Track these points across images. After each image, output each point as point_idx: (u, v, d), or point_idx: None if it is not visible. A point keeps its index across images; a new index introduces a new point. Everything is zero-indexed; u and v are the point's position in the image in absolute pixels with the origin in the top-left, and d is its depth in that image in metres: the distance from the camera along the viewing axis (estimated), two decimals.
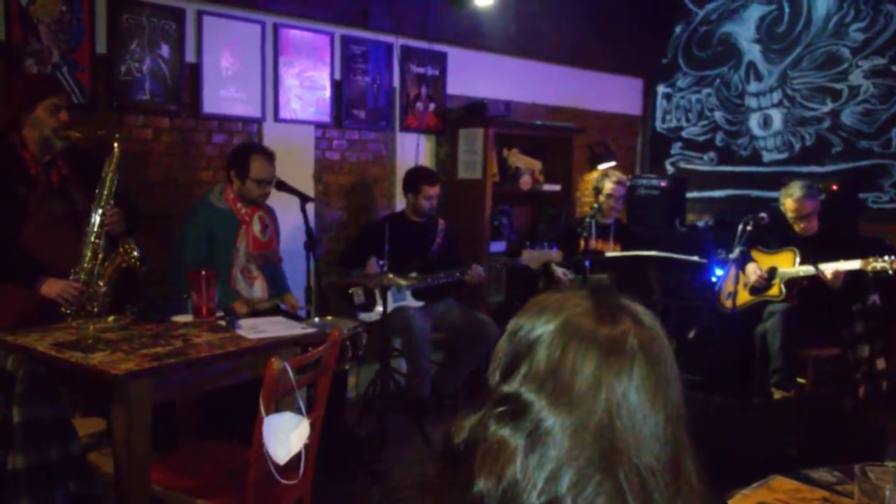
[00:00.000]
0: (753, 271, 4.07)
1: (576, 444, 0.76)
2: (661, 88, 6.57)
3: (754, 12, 5.93)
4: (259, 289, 3.45)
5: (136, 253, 2.82)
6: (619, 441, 0.76)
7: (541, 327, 0.82)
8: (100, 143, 2.91)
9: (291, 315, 3.27)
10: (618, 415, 0.76)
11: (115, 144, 2.86)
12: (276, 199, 3.62)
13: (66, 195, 2.88)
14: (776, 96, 5.83)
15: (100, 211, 2.82)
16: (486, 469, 0.77)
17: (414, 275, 3.83)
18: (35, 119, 2.79)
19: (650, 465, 0.76)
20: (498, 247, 5.04)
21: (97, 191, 2.83)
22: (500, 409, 0.80)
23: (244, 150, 3.50)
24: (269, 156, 3.48)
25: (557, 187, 5.38)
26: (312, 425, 2.12)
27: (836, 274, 3.75)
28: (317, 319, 3.20)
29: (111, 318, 2.71)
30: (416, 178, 4.26)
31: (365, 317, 4.01)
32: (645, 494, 0.75)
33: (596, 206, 4.53)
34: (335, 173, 4.55)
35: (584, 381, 0.77)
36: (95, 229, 2.82)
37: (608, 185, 4.55)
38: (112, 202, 2.85)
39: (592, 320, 0.80)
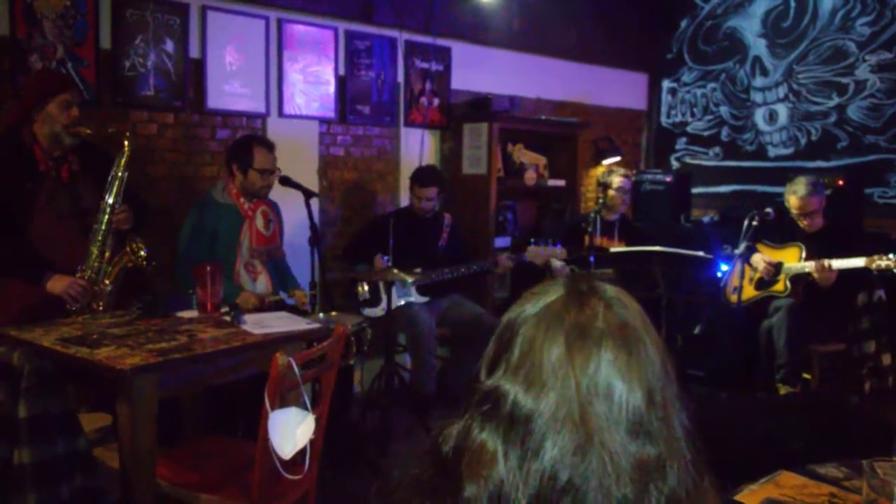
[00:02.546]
0: (760, 260, 4.05)
1: (551, 430, 0.76)
2: (666, 83, 6.55)
3: (760, 6, 5.90)
4: (263, 283, 3.45)
5: (143, 252, 2.82)
6: (594, 428, 0.75)
7: (520, 318, 0.83)
8: (110, 140, 2.91)
9: (297, 310, 3.26)
10: (590, 400, 0.76)
11: (126, 142, 2.86)
12: (281, 195, 3.62)
13: (75, 191, 2.88)
14: (782, 91, 5.81)
15: (108, 209, 2.82)
16: (473, 475, 0.78)
17: (418, 270, 3.83)
18: (46, 115, 2.79)
19: (630, 452, 0.75)
20: (502, 242, 5.04)
21: (106, 188, 2.83)
22: (483, 408, 0.80)
23: (244, 142, 3.50)
24: (270, 146, 3.48)
25: (562, 183, 5.36)
26: (317, 420, 2.12)
27: (828, 272, 3.75)
28: (321, 315, 3.20)
29: (117, 313, 2.72)
30: (413, 178, 4.26)
31: (370, 312, 4.01)
32: (622, 482, 0.75)
33: (601, 201, 4.51)
34: (339, 169, 4.55)
35: (553, 365, 0.77)
36: (103, 227, 2.82)
37: (617, 180, 4.54)
38: (120, 200, 2.85)
39: (562, 306, 0.81)
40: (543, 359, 0.78)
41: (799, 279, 3.99)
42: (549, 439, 0.75)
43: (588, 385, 0.76)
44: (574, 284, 0.84)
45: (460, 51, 5.06)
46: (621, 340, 0.78)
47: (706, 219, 5.72)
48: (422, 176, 4.26)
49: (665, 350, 0.82)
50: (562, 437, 0.75)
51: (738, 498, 1.51)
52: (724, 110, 6.17)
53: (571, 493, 0.74)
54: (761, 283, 4.12)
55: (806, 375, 4.01)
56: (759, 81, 5.94)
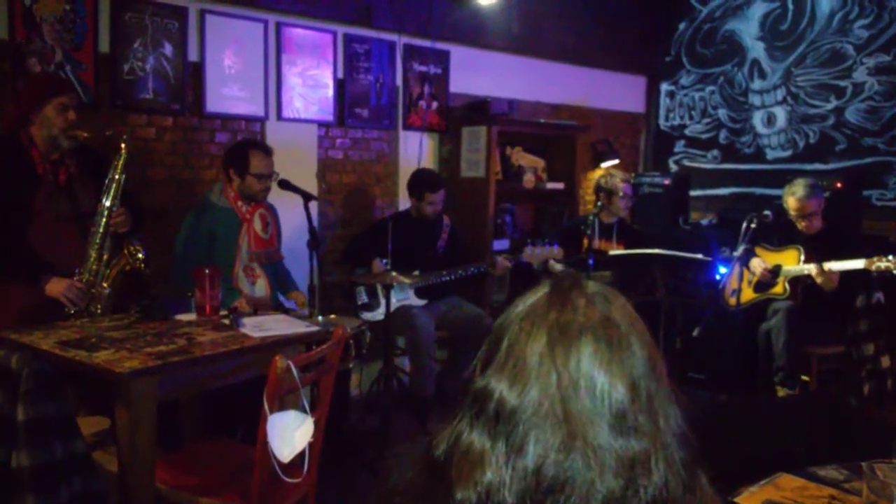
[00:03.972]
0: (758, 265, 4.06)
1: (534, 427, 0.76)
2: (664, 86, 6.56)
3: (758, 9, 5.91)
4: (261, 287, 3.44)
5: (140, 255, 2.82)
6: (576, 424, 0.75)
7: (508, 319, 0.84)
8: (108, 143, 2.92)
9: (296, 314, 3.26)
10: (572, 394, 0.76)
11: (123, 145, 2.86)
12: (279, 198, 3.62)
13: (72, 194, 2.88)
14: (780, 94, 5.82)
15: (106, 212, 2.82)
16: (463, 478, 0.78)
17: (416, 273, 3.82)
18: (43, 118, 2.79)
19: (614, 447, 0.75)
20: (501, 245, 5.04)
21: (104, 191, 2.83)
22: (472, 409, 0.81)
23: (241, 146, 3.50)
24: (267, 150, 3.48)
25: (560, 186, 5.37)
26: (316, 423, 2.12)
27: (830, 275, 3.76)
28: (320, 318, 3.20)
29: (115, 316, 2.72)
30: (419, 184, 4.22)
31: (368, 315, 4.01)
32: (606, 477, 0.75)
33: (599, 204, 4.50)
34: (338, 172, 4.55)
35: (535, 360, 0.78)
36: (101, 230, 2.82)
37: (621, 185, 4.51)
38: (118, 203, 2.85)
39: (545, 304, 0.82)
40: (526, 355, 0.79)
41: (798, 281, 3.99)
42: (532, 435, 0.76)
43: (569, 379, 0.77)
44: (558, 283, 0.85)
45: (459, 54, 5.06)
46: (602, 333, 0.79)
47: (705, 221, 5.73)
48: (431, 181, 4.23)
49: (654, 346, 0.82)
50: (544, 432, 0.76)
51: (737, 500, 1.51)
52: (722, 113, 6.18)
53: (557, 491, 0.74)
54: (760, 286, 4.12)
55: (805, 378, 4.01)
56: (757, 84, 5.95)
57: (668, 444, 0.78)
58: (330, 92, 4.42)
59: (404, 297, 4.12)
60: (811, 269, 3.86)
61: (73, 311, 2.75)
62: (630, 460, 0.75)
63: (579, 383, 0.77)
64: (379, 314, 3.96)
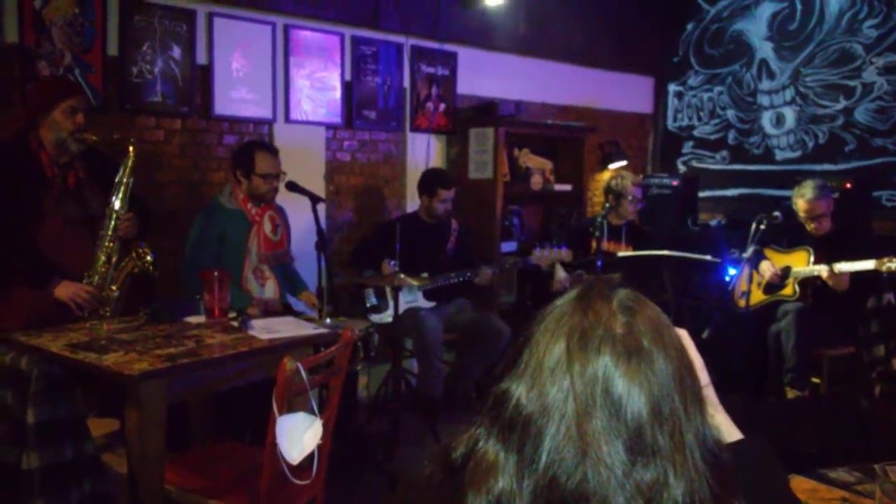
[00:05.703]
0: (768, 268, 4.04)
1: (548, 435, 0.75)
2: (672, 87, 6.54)
3: (766, 9, 5.89)
4: (271, 289, 3.44)
5: (149, 258, 2.83)
6: (590, 437, 0.74)
7: (536, 320, 0.83)
8: (116, 146, 2.92)
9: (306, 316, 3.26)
10: (587, 406, 0.75)
11: (131, 148, 2.87)
12: (287, 200, 3.62)
13: (81, 198, 2.89)
14: (789, 94, 5.80)
15: (114, 215, 2.83)
16: (475, 484, 0.78)
17: (425, 275, 3.82)
18: (52, 121, 2.80)
19: (629, 472, 0.73)
20: (509, 247, 5.03)
21: (112, 194, 2.84)
22: (491, 414, 0.81)
23: (246, 147, 3.51)
24: (272, 150, 3.49)
25: (568, 187, 5.36)
26: (325, 425, 2.12)
27: (840, 276, 3.74)
28: (329, 320, 3.20)
29: (125, 319, 2.72)
30: (431, 181, 4.21)
31: (376, 318, 4.00)
32: (619, 494, 0.73)
33: (608, 206, 4.48)
34: (346, 174, 4.56)
35: (551, 366, 0.77)
36: (109, 233, 2.83)
37: (631, 188, 4.47)
38: (126, 206, 2.86)
39: (569, 309, 0.81)
40: (544, 360, 0.78)
41: (808, 283, 3.97)
42: (545, 446, 0.75)
43: (584, 389, 0.75)
44: (586, 289, 0.83)
45: (466, 55, 5.06)
46: (622, 348, 0.77)
47: (713, 222, 5.70)
48: (444, 178, 4.24)
49: (685, 359, 0.80)
50: (558, 444, 0.74)
51: None
52: (730, 114, 6.16)
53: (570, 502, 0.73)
54: (770, 288, 4.10)
55: (815, 379, 3.98)
56: (765, 84, 5.93)
57: (692, 463, 0.75)
58: (337, 94, 4.43)
59: (412, 299, 4.11)
60: (821, 270, 3.84)
61: (82, 315, 2.76)
62: (647, 483, 0.73)
63: (595, 396, 0.75)
64: (387, 316, 3.95)
